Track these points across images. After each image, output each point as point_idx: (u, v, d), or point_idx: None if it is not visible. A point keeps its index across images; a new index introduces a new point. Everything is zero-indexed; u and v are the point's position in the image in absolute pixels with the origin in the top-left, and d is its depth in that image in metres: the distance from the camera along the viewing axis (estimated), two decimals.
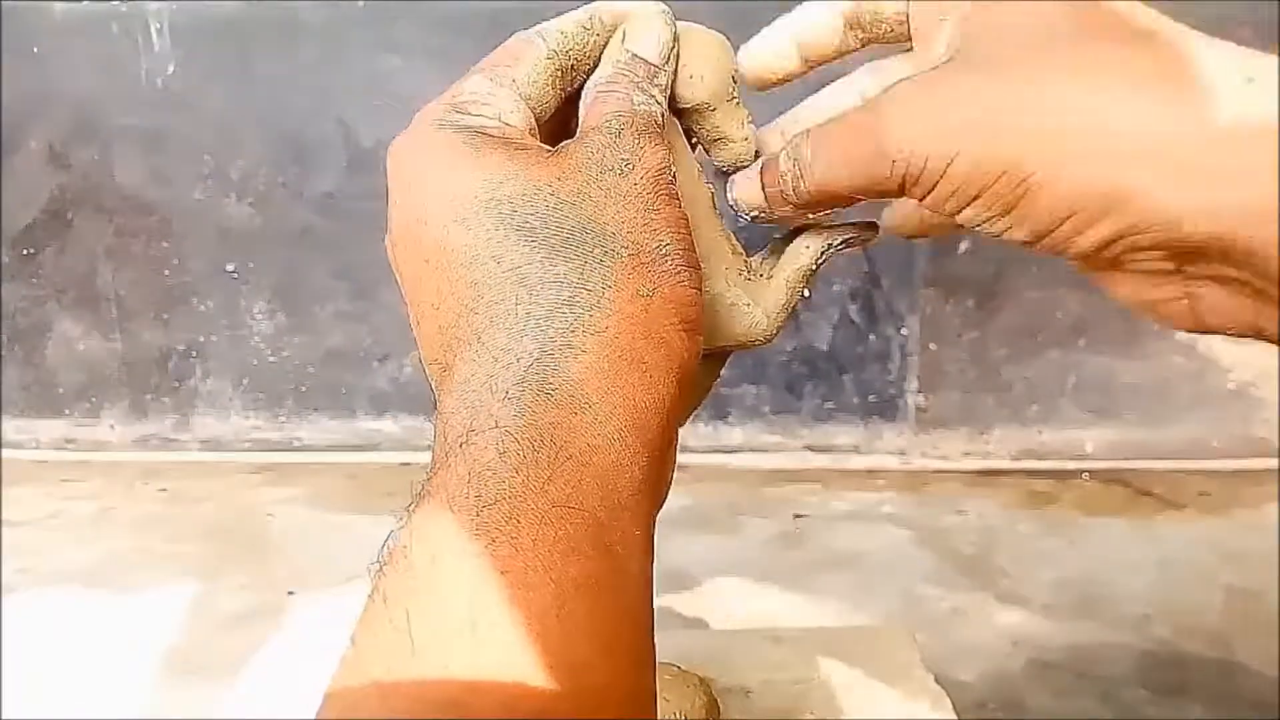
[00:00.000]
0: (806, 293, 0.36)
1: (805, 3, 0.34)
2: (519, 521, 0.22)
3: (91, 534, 0.94)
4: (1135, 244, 0.27)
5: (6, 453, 1.12)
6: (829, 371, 1.06)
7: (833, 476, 1.04)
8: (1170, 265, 0.29)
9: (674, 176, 0.29)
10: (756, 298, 0.35)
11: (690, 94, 0.33)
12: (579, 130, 0.30)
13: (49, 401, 1.12)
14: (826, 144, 0.31)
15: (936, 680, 0.66)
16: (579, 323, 0.25)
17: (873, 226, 0.36)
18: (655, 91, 0.31)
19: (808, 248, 0.35)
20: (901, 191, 0.29)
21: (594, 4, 0.33)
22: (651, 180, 0.28)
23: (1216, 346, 1.05)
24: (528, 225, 0.26)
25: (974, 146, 0.27)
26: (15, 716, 0.66)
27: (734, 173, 0.35)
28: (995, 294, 1.04)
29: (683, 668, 0.59)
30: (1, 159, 1.06)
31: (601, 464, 0.24)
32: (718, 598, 0.81)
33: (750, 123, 0.34)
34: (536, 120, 0.30)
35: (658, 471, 0.26)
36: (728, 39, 0.34)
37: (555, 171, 0.27)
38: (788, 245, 0.36)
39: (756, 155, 0.35)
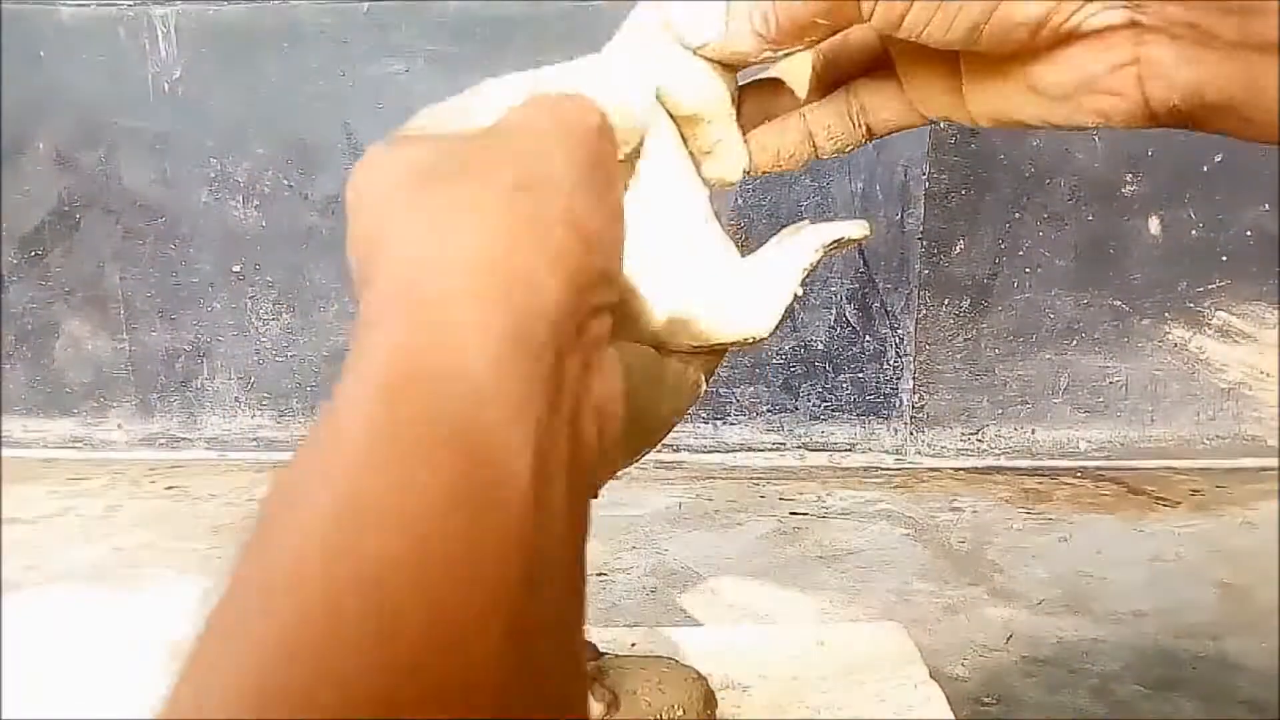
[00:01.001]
0: (799, 291, 0.37)
1: None
2: (373, 456, 0.21)
3: (98, 532, 0.95)
4: None
5: (14, 451, 1.12)
6: (825, 371, 1.06)
7: (829, 474, 1.05)
8: (1125, 13, 0.29)
9: (601, 121, 0.28)
10: (752, 296, 0.36)
11: (687, 104, 0.34)
12: None
13: (57, 401, 1.13)
14: None
15: (931, 675, 0.66)
16: (459, 243, 0.24)
17: (864, 225, 0.37)
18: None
19: (801, 246, 0.36)
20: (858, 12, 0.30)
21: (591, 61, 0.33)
22: (561, 119, 0.28)
23: (1209, 346, 1.05)
24: (432, 171, 0.26)
25: None
26: (17, 716, 0.67)
27: (725, 187, 0.36)
28: (989, 295, 1.04)
29: (680, 662, 0.60)
30: (9, 162, 1.07)
31: (472, 373, 0.22)
32: (715, 594, 0.81)
33: (745, 141, 0.35)
34: None
35: (555, 385, 0.24)
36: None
37: (473, 132, 0.28)
38: (781, 245, 0.37)
39: (745, 175, 0.35)
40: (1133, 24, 0.29)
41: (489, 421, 0.22)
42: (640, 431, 0.37)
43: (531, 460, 0.22)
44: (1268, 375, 1.04)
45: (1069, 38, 0.30)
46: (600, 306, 0.26)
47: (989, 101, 0.33)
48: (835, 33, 0.33)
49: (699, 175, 0.36)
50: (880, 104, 0.36)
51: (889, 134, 0.37)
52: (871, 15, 0.30)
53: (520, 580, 0.21)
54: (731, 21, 0.32)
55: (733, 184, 0.36)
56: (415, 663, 0.19)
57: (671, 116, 0.34)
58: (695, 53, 0.33)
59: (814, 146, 0.36)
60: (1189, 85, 0.29)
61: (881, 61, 0.36)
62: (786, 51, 0.33)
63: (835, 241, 0.37)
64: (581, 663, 0.24)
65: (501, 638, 0.20)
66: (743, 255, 0.37)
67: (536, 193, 0.26)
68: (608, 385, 0.26)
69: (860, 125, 0.36)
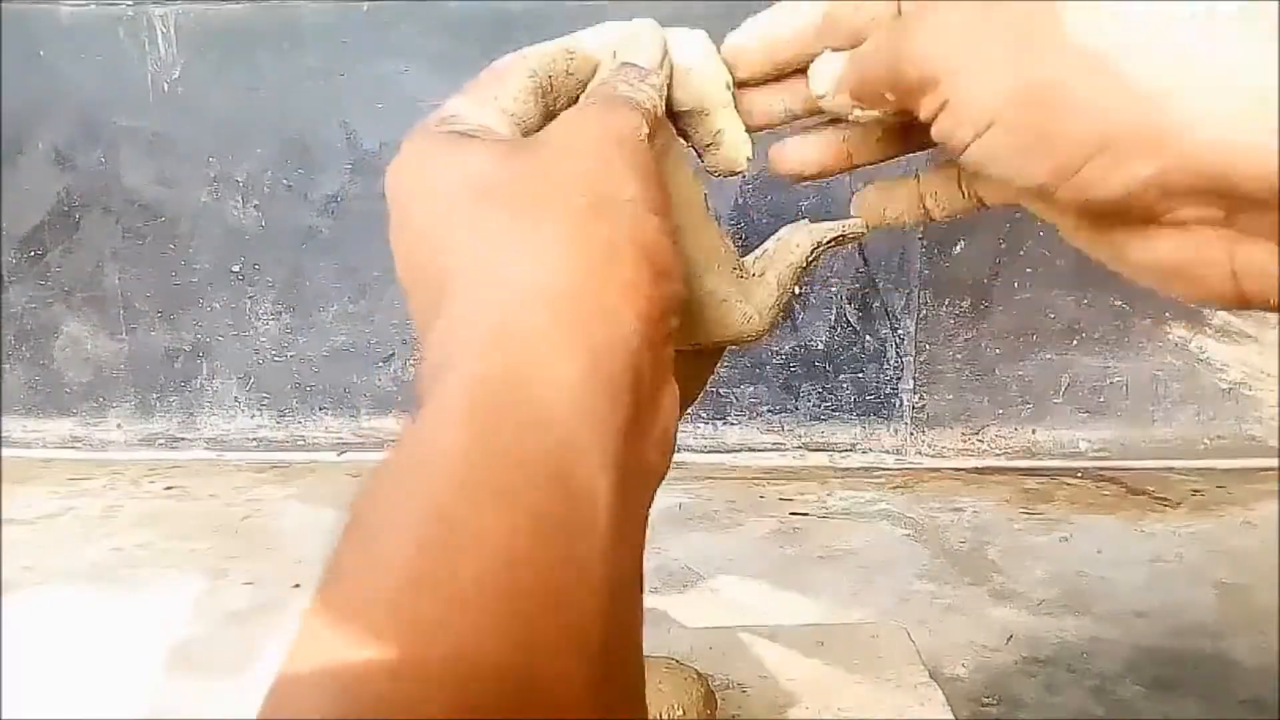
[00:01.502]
0: (798, 289, 0.37)
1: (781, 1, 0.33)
2: (467, 480, 0.22)
3: (97, 532, 0.95)
4: (1175, 186, 0.24)
5: (13, 451, 1.12)
6: (826, 372, 1.06)
7: (829, 475, 1.05)
8: (1219, 213, 0.25)
9: (648, 134, 0.29)
10: (749, 295, 0.36)
11: (685, 96, 0.34)
12: None
13: (56, 401, 1.13)
14: (859, 62, 0.30)
15: (931, 675, 0.66)
16: (537, 274, 0.25)
17: (861, 223, 0.37)
18: (646, 88, 0.31)
19: (798, 245, 0.36)
20: (919, 108, 0.27)
21: (590, 31, 0.34)
22: (615, 133, 0.28)
23: (1209, 346, 1.05)
24: (494, 192, 0.26)
25: (1006, 66, 0.24)
26: (17, 716, 0.67)
27: (726, 177, 0.36)
28: (990, 295, 1.04)
29: (680, 662, 0.60)
30: (8, 161, 1.07)
31: (556, 417, 0.23)
32: (715, 594, 0.81)
33: (745, 129, 0.35)
34: (522, 131, 0.31)
35: (631, 416, 0.24)
36: (718, 41, 0.35)
37: (528, 146, 0.28)
38: (779, 243, 0.37)
39: (748, 162, 0.35)
40: (1228, 224, 0.26)
41: (575, 457, 0.22)
42: None
43: (612, 491, 0.23)
44: (1269, 375, 1.04)
45: (1156, 215, 0.26)
46: (669, 332, 0.27)
47: (1084, 236, 0.30)
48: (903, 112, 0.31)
49: (698, 172, 0.36)
50: (984, 184, 0.35)
51: (1002, 206, 0.35)
52: (931, 124, 0.28)
53: (603, 604, 0.22)
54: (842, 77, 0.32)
55: (738, 173, 0.36)
56: (506, 683, 0.19)
57: (669, 112, 0.34)
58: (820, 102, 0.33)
59: (925, 209, 0.36)
60: None
61: None
62: (870, 111, 0.32)
63: (834, 239, 0.37)
64: (643, 665, 0.25)
65: (588, 660, 0.21)
66: (742, 254, 0.37)
67: (607, 216, 0.26)
68: (670, 409, 0.27)
69: (970, 195, 0.35)
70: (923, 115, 0.28)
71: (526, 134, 0.31)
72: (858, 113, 0.32)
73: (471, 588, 0.20)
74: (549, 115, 0.32)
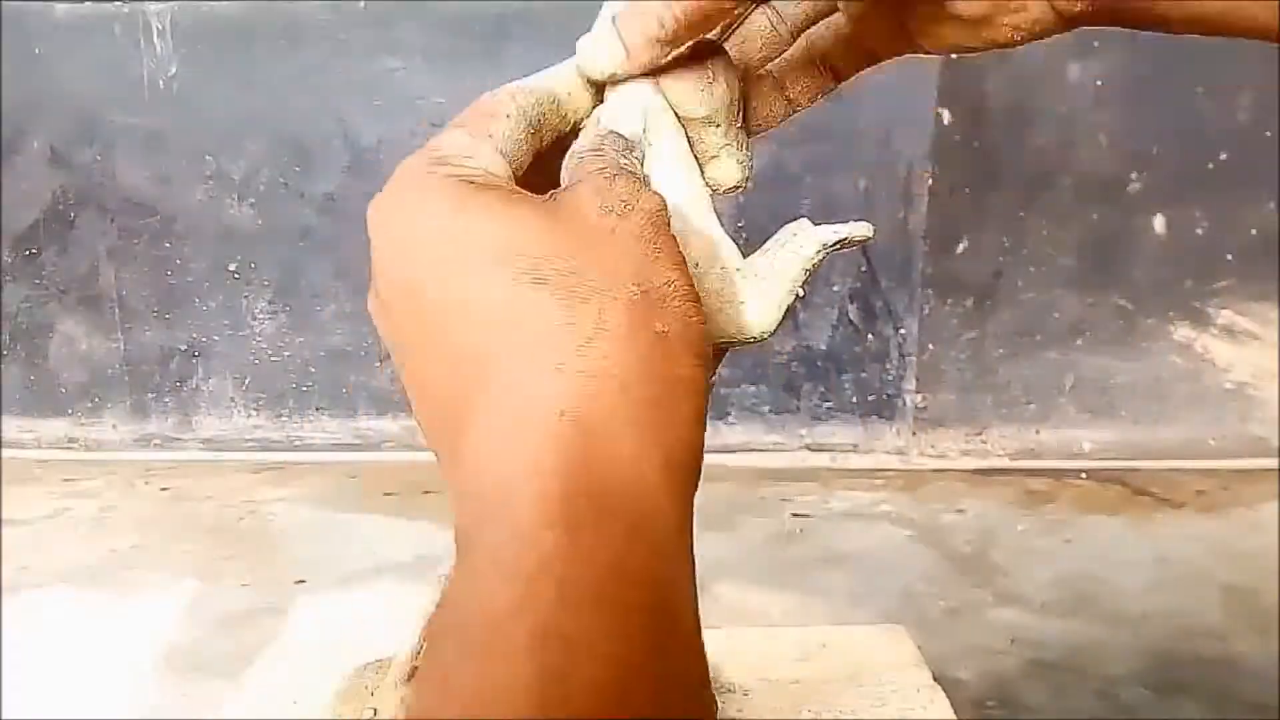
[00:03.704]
0: (801, 291, 0.36)
1: None
2: (567, 587, 0.22)
3: (93, 533, 0.94)
4: None
5: (9, 452, 1.12)
6: (828, 371, 1.06)
7: (831, 476, 1.04)
8: None
9: (669, 219, 0.29)
10: (753, 296, 0.35)
11: (694, 105, 0.33)
12: (568, 184, 0.30)
13: (51, 401, 1.13)
14: None
15: (934, 678, 0.66)
16: (599, 367, 0.24)
17: (867, 227, 0.37)
18: (633, 160, 0.32)
19: (803, 246, 0.36)
20: None
21: (571, 67, 0.33)
22: (652, 220, 0.28)
23: (1214, 346, 1.05)
24: (537, 271, 0.26)
25: None
26: (15, 716, 0.67)
27: (725, 193, 0.35)
28: (993, 295, 1.04)
29: None
30: (3, 159, 1.06)
31: (643, 512, 0.23)
32: (716, 596, 0.81)
33: (749, 147, 0.35)
34: (515, 167, 0.30)
35: (691, 509, 0.25)
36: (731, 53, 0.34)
37: (557, 216, 0.27)
38: (783, 244, 0.36)
39: (748, 182, 0.35)
40: None
41: (665, 558, 0.23)
42: None
43: (689, 584, 0.24)
44: (1274, 375, 1.04)
45: None
46: (706, 413, 0.27)
47: (932, 34, 0.34)
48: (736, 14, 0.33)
49: (702, 177, 0.35)
50: (840, 52, 0.36)
51: (854, 76, 0.36)
52: None
53: (700, 698, 0.23)
54: (627, 40, 0.32)
55: (735, 190, 0.35)
56: None
57: (679, 118, 0.34)
58: (609, 82, 0.33)
59: (788, 100, 0.36)
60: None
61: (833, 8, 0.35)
62: (692, 42, 0.32)
63: (839, 242, 0.36)
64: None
65: None
66: (744, 254, 0.36)
67: (659, 307, 0.26)
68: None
69: (826, 72, 0.36)
70: None
71: (518, 173, 0.30)
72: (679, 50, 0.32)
73: (588, 692, 0.21)
74: (536, 155, 0.32)
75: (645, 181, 0.31)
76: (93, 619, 0.80)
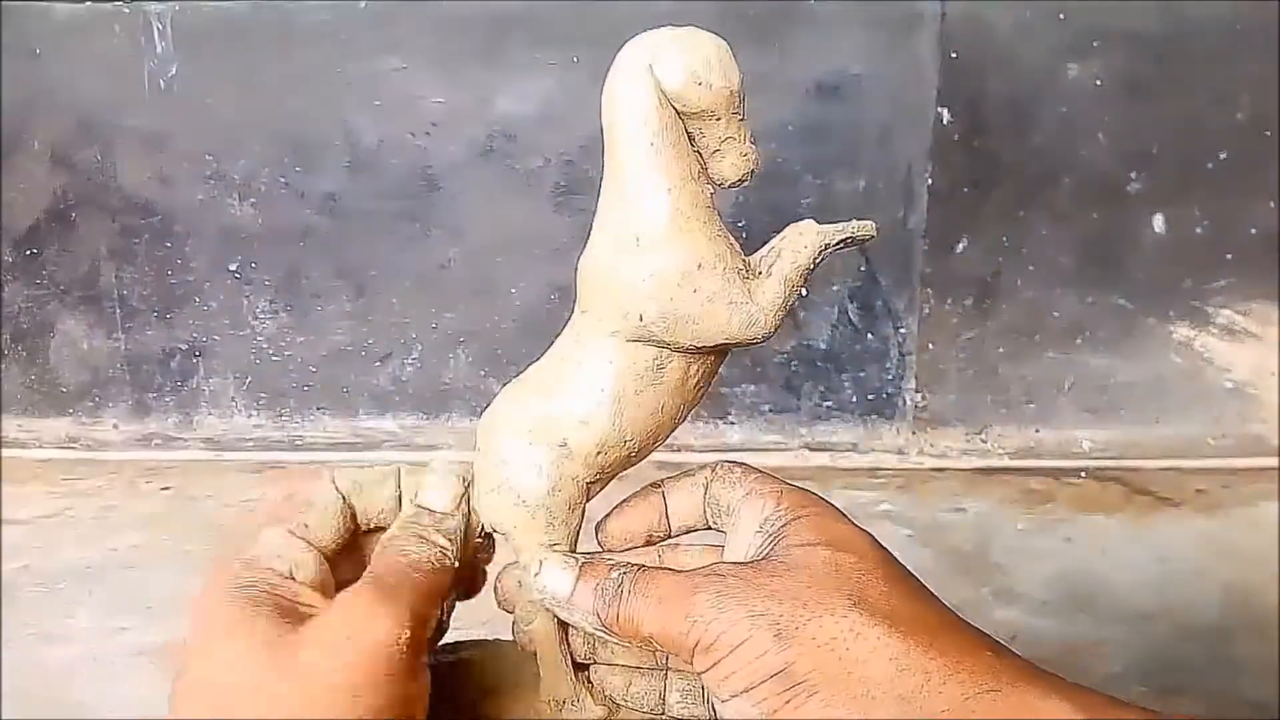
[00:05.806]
0: (803, 291, 0.37)
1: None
2: None
3: (94, 533, 0.94)
4: None
5: (9, 451, 1.12)
6: (828, 370, 1.06)
7: (831, 474, 1.04)
8: None
9: (407, 645, 0.33)
10: (754, 295, 0.35)
11: (696, 99, 0.33)
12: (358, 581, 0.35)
13: (52, 400, 1.13)
14: (646, 589, 0.34)
15: None
16: None
17: (870, 226, 0.37)
18: (439, 538, 0.36)
19: (805, 246, 0.36)
20: (690, 655, 0.32)
21: (392, 466, 0.39)
22: (374, 645, 0.32)
23: (1214, 345, 1.05)
24: (259, 696, 0.32)
25: (761, 641, 0.31)
26: (15, 717, 0.67)
27: (730, 187, 0.35)
28: (993, 294, 1.04)
29: None
30: (3, 159, 1.06)
31: None
32: None
33: (752, 140, 0.35)
34: (331, 552, 0.36)
35: None
36: (730, 46, 0.34)
37: (299, 645, 0.33)
38: (784, 242, 0.36)
39: (752, 174, 0.35)
40: None
41: None
42: (644, 432, 0.37)
43: None
44: (1274, 374, 1.04)
45: None
46: None
47: None
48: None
49: (700, 175, 0.35)
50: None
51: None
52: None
53: None
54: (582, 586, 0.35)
55: (738, 184, 0.35)
56: None
57: (679, 113, 0.34)
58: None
59: (667, 523, 0.39)
60: None
61: None
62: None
63: (842, 241, 0.36)
64: None
65: None
66: (745, 253, 0.36)
67: None
68: None
69: (710, 517, 0.39)
70: (693, 662, 0.33)
71: (333, 551, 0.37)
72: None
73: None
74: (358, 529, 0.38)
75: (442, 561, 0.36)
76: (93, 618, 0.79)
